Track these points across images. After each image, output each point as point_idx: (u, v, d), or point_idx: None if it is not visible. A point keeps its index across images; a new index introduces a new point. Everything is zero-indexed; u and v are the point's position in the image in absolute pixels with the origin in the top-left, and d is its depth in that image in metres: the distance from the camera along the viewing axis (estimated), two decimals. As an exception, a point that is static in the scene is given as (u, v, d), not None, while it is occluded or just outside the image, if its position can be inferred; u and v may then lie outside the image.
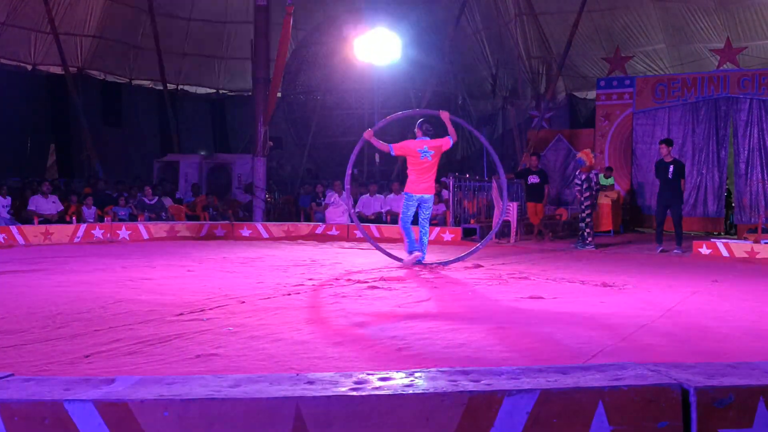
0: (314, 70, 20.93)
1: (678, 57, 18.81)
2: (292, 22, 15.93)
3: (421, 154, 8.75)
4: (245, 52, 20.38)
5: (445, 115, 8.97)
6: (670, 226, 11.95)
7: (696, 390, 2.24)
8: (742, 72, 16.09)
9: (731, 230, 16.29)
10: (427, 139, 8.86)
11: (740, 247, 10.76)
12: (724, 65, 16.82)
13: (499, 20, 20.75)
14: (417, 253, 8.80)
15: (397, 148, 8.92)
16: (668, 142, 11.81)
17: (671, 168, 11.43)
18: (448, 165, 19.03)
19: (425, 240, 9.02)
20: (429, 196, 8.91)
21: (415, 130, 9.08)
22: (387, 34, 17.70)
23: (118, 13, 21.00)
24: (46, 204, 13.75)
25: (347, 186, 9.82)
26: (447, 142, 8.87)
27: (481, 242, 9.05)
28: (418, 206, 8.92)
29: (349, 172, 9.55)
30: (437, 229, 13.75)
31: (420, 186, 8.83)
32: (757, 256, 10.39)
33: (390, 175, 19.57)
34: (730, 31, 17.50)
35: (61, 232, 12.38)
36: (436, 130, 9.16)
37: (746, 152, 15.81)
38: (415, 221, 9.01)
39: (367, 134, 9.01)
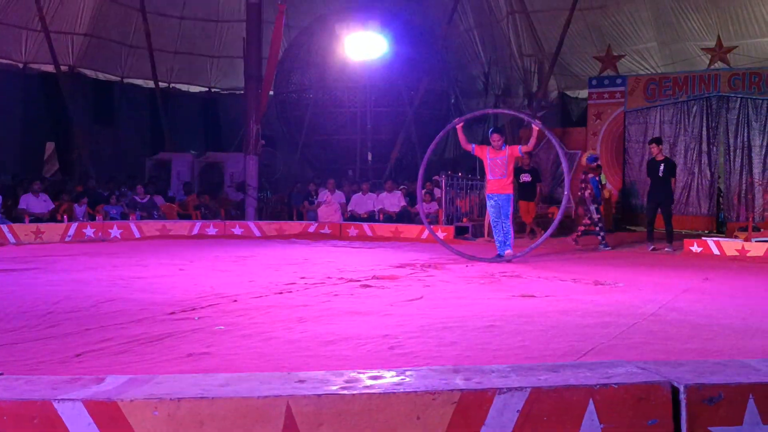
0: (307, 68, 20.90)
1: (669, 55, 18.86)
2: (284, 20, 15.94)
3: (489, 160, 9.57)
4: (237, 50, 20.35)
5: (536, 127, 9.47)
6: (661, 224, 12.01)
7: (686, 388, 2.25)
8: (733, 71, 16.15)
9: (722, 229, 16.35)
10: (494, 148, 9.57)
11: (731, 246, 10.81)
12: (715, 64, 16.87)
13: (491, 18, 20.77)
14: (508, 251, 9.50)
15: (476, 149, 9.78)
16: (657, 141, 11.91)
17: (662, 167, 11.51)
18: (440, 164, 19.07)
19: (501, 237, 9.63)
20: (499, 195, 9.58)
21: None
22: (379, 32, 17.74)
23: (110, 12, 20.91)
24: (37, 202, 13.69)
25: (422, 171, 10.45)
26: (515, 150, 9.54)
27: (541, 238, 9.72)
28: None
29: (426, 160, 10.35)
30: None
31: (491, 186, 9.69)
32: (748, 255, 10.44)
33: (383, 173, 19.56)
34: (722, 29, 17.56)
35: (52, 230, 12.33)
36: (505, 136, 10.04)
37: (737, 151, 15.86)
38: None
39: (458, 123, 9.86)
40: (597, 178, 12.25)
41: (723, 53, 16.89)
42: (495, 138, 9.56)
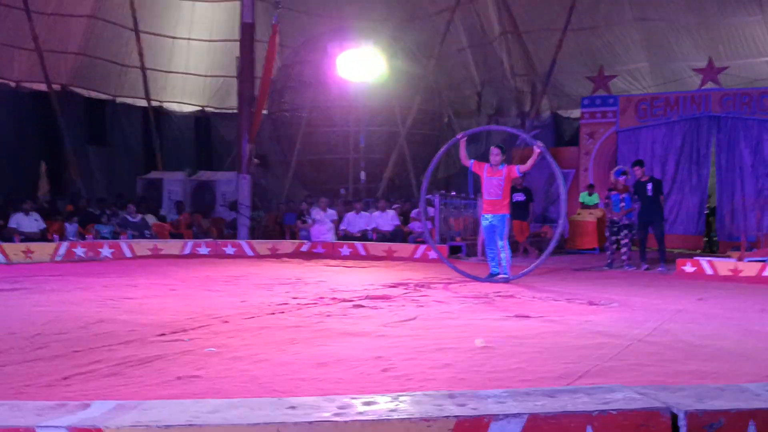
0: (300, 87, 20.93)
1: (661, 76, 18.98)
2: (278, 40, 15.97)
3: (486, 179, 9.39)
4: (231, 69, 20.38)
5: (537, 150, 9.16)
6: (653, 243, 12.02)
7: (686, 414, 2.21)
8: (724, 91, 16.25)
9: (714, 248, 16.39)
10: (492, 166, 9.39)
11: (724, 265, 10.79)
12: (706, 84, 16.98)
13: (484, 38, 20.88)
14: (503, 275, 9.40)
15: (474, 165, 9.58)
16: (640, 164, 12.00)
17: (649, 186, 11.58)
18: (433, 183, 19.06)
19: (501, 257, 9.48)
20: (494, 216, 9.41)
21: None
22: (372, 52, 17.80)
23: (103, 31, 20.94)
24: (28, 222, 13.61)
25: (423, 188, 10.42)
26: (513, 171, 9.35)
27: (540, 258, 9.41)
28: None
29: (427, 177, 10.33)
30: (423, 246, 13.73)
31: (486, 206, 9.49)
32: (741, 274, 10.41)
33: (376, 192, 19.55)
34: (712, 50, 17.70)
35: (42, 250, 12.22)
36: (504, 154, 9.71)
37: (728, 171, 15.93)
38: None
39: (462, 137, 9.64)
40: (622, 196, 11.84)
41: (714, 74, 17.01)
42: (495, 153, 9.43)
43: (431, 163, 10.39)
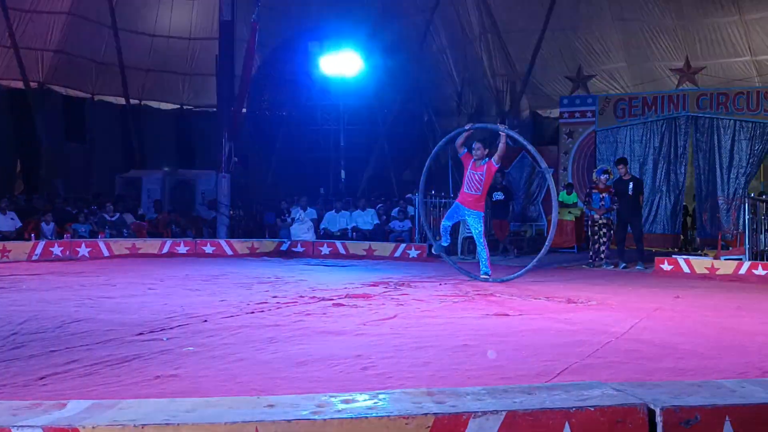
0: (280, 86, 20.88)
1: (639, 76, 19.13)
2: (257, 38, 15.90)
3: (469, 172, 9.38)
4: (210, 67, 20.26)
5: (501, 133, 9.46)
6: (631, 243, 12.11)
7: (662, 410, 2.22)
8: (701, 91, 16.41)
9: (690, 247, 16.55)
10: (476, 161, 9.37)
11: (701, 264, 10.90)
12: (684, 84, 17.14)
13: (464, 38, 20.94)
14: (484, 276, 9.37)
15: (465, 155, 9.54)
16: (624, 162, 12.07)
17: (631, 185, 11.66)
18: (413, 182, 19.09)
19: (482, 256, 9.44)
20: (468, 210, 9.38)
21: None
22: (353, 51, 17.80)
23: (81, 28, 20.74)
24: (4, 221, 13.45)
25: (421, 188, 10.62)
26: (492, 166, 9.31)
27: (535, 259, 9.32)
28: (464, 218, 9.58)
29: (426, 170, 10.41)
30: (404, 245, 13.74)
31: (464, 198, 9.46)
32: (717, 273, 10.53)
33: (356, 191, 19.54)
34: (689, 50, 17.87)
35: (18, 249, 12.07)
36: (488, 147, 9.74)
37: (705, 170, 16.09)
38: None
39: (470, 128, 9.67)
40: (602, 195, 11.77)
41: (691, 74, 17.18)
42: (477, 147, 9.45)
43: (429, 158, 10.48)
